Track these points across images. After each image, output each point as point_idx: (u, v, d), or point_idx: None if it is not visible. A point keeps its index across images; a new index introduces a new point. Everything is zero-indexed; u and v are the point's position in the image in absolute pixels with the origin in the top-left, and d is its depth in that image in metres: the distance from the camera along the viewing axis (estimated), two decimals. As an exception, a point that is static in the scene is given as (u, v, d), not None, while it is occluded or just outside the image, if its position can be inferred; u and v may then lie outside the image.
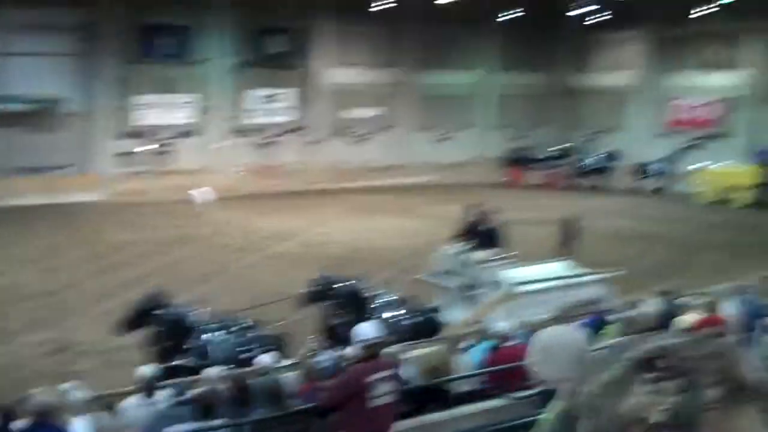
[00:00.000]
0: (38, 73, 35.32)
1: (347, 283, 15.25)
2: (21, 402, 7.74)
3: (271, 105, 41.74)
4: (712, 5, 40.18)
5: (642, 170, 38.91)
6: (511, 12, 44.35)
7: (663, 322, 11.66)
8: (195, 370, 10.81)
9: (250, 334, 13.27)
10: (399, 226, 28.65)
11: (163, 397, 9.28)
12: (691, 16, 41.82)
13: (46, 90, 35.49)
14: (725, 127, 42.34)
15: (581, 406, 0.98)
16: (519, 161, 40.62)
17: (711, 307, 12.13)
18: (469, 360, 10.84)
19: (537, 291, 16.28)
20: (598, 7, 43.80)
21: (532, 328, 11.03)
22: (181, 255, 24.27)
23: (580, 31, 46.90)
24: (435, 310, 15.93)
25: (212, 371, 9.47)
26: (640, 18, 44.97)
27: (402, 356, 10.08)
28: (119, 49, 37.58)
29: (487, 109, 47.07)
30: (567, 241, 24.02)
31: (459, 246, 17.69)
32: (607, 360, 1.00)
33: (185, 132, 39.73)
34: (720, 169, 36.59)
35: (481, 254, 17.14)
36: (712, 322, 11.76)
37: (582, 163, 39.85)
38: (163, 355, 12.46)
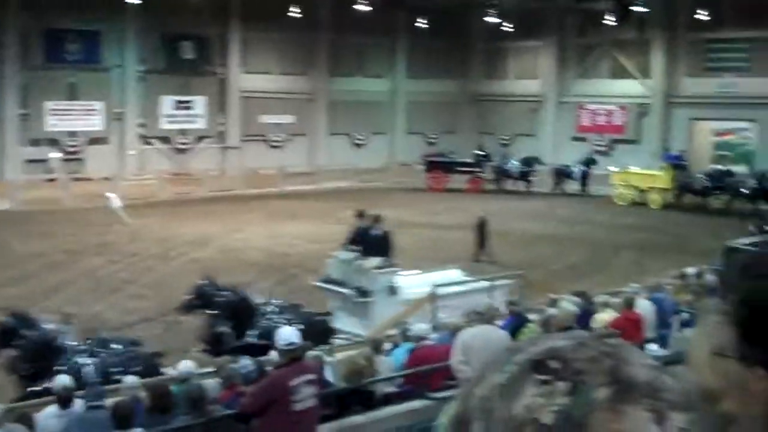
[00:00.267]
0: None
1: (232, 290, 14.86)
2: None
3: (184, 111, 41.24)
4: (615, 15, 41.28)
5: (561, 174, 39.64)
6: (421, 21, 44.86)
7: (580, 321, 11.90)
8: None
9: (127, 353, 12.40)
10: (317, 231, 28.56)
11: (79, 406, 9.06)
12: (599, 26, 42.90)
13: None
14: (634, 132, 43.60)
15: (473, 408, 0.98)
16: (440, 166, 40.90)
17: (627, 305, 12.44)
18: (391, 361, 10.89)
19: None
20: (507, 17, 44.62)
21: (453, 329, 11.16)
22: (93, 264, 23.72)
23: (489, 40, 47.79)
24: (327, 315, 15.80)
25: (130, 379, 9.30)
26: (548, 27, 46.07)
27: (325, 359, 10.07)
28: (25, 55, 36.66)
29: (400, 115, 47.58)
30: (482, 242, 24.49)
31: (350, 252, 17.57)
32: (499, 362, 1.01)
33: (96, 139, 38.95)
34: (636, 172, 37.58)
35: (373, 261, 17.09)
36: (628, 319, 12.08)
37: (503, 168, 40.37)
38: (29, 378, 11.61)
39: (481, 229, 24.96)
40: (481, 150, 42.76)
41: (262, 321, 14.32)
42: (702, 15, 39.79)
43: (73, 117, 38.34)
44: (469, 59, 49.45)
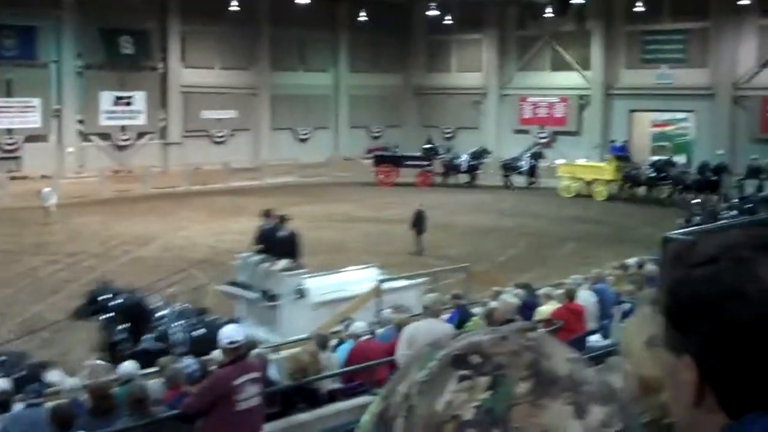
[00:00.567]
0: None
1: (127, 293, 14.42)
2: None
3: (124, 107, 40.64)
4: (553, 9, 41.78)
5: (508, 167, 39.89)
6: (362, 14, 44.90)
7: (524, 313, 12.00)
8: None
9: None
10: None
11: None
12: (539, 18, 43.34)
13: None
14: (575, 123, 44.12)
15: (395, 405, 0.97)
16: (388, 160, 40.87)
17: (568, 296, 12.56)
18: (336, 358, 10.87)
19: (340, 300, 15.92)
20: (448, 10, 44.92)
21: (398, 324, 11.16)
22: (32, 264, 23.29)
23: (431, 33, 48.06)
24: (232, 321, 15.17)
25: (71, 381, 9.13)
26: (489, 20, 46.42)
27: (270, 357, 10.00)
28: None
29: (343, 109, 47.57)
30: (419, 234, 24.66)
31: (257, 254, 16.95)
32: (421, 358, 1.00)
33: (34, 136, 38.19)
34: (581, 164, 38.01)
35: (280, 263, 16.44)
36: (569, 311, 12.21)
37: (452, 161, 40.46)
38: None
39: (419, 221, 25.10)
40: (429, 143, 42.92)
41: (160, 325, 13.94)
42: (639, 7, 40.42)
43: (10, 114, 37.55)
44: (412, 52, 49.63)
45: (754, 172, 32.67)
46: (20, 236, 27.00)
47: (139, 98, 41.03)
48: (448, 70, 49.16)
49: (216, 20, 41.49)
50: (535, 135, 44.57)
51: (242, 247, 24.69)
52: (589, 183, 36.74)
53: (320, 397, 9.78)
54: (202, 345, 12.46)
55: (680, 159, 38.99)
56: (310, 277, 16.61)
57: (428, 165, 40.58)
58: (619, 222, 30.66)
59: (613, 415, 0.96)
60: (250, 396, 8.24)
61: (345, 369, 10.58)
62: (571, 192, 36.81)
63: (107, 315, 13.96)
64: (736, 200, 29.05)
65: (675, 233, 16.79)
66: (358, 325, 11.56)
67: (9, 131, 37.56)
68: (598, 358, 9.82)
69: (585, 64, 43.75)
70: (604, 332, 12.47)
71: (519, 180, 39.45)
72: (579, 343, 11.60)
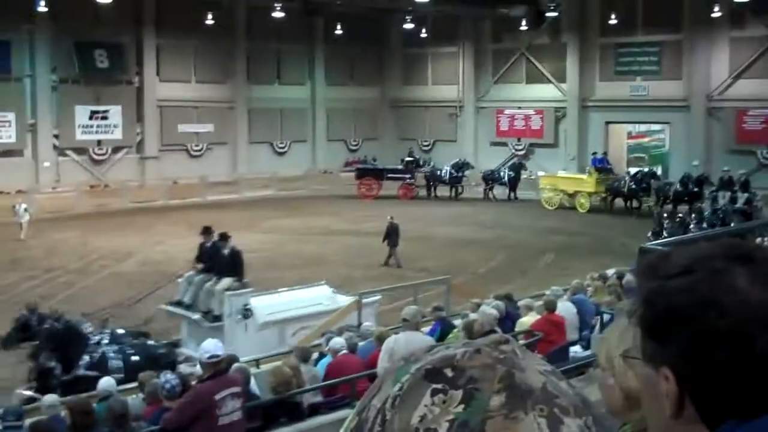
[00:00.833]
0: None
1: (56, 319, 13.70)
2: None
3: (100, 122, 40.40)
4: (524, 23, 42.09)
5: (489, 179, 39.92)
6: (338, 28, 45.02)
7: (504, 324, 12.05)
8: None
9: None
10: (241, 241, 28.24)
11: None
12: (514, 31, 43.57)
13: None
14: (552, 136, 44.31)
15: (370, 420, 0.98)
16: (370, 173, 40.83)
17: (548, 307, 12.61)
18: (318, 371, 10.86)
19: (288, 319, 15.43)
20: (423, 23, 45.12)
21: (378, 337, 11.18)
22: (9, 280, 23.09)
23: (407, 46, 48.28)
24: (173, 344, 14.88)
25: (50, 398, 9.07)
26: (464, 33, 46.67)
27: (250, 371, 9.98)
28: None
29: (320, 122, 47.56)
30: (392, 246, 24.67)
31: (201, 273, 16.24)
32: (396, 371, 1.01)
33: (9, 151, 37.88)
34: (563, 176, 38.08)
35: (224, 282, 15.74)
36: (550, 322, 12.27)
37: (435, 174, 40.43)
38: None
39: (391, 234, 25.10)
40: (411, 156, 42.92)
41: (94, 351, 13.37)
42: (613, 20, 40.76)
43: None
44: (388, 65, 49.80)
45: (726, 184, 32.89)
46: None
47: (115, 112, 40.78)
48: (424, 83, 49.32)
49: (192, 34, 41.38)
50: (512, 147, 44.78)
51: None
52: (571, 195, 36.79)
53: (302, 410, 9.76)
54: (138, 371, 11.85)
55: (658, 170, 39.21)
56: (256, 296, 15.95)
57: (410, 178, 40.59)
58: (599, 233, 30.78)
59: (587, 427, 0.97)
60: (231, 410, 8.23)
61: (325, 383, 10.56)
62: (554, 204, 36.81)
63: (35, 342, 13.32)
64: (707, 212, 29.21)
65: (651, 244, 16.90)
66: (337, 341, 11.55)
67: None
68: (579, 368, 9.91)
69: (560, 77, 44.00)
70: (585, 343, 12.55)
71: (500, 192, 39.47)
72: (561, 354, 11.68)
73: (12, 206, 29.80)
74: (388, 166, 41.55)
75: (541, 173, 39.26)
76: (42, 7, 35.24)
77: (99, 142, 40.45)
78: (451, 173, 39.91)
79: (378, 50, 49.15)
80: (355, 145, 48.52)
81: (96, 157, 40.42)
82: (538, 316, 12.63)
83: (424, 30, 46.10)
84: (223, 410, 8.16)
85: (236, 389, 8.36)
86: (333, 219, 33.52)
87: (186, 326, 16.25)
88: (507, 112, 45.71)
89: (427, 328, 12.90)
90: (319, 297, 16.46)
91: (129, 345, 13.90)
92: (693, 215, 28.45)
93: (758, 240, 17.30)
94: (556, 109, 44.31)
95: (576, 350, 12.15)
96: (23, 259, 25.76)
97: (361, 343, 12.11)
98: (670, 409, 1.20)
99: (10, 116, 37.88)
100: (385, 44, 49.38)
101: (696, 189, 33.39)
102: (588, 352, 10.69)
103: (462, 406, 0.94)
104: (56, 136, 39.22)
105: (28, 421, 8.64)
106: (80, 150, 40.04)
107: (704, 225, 25.50)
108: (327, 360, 11.27)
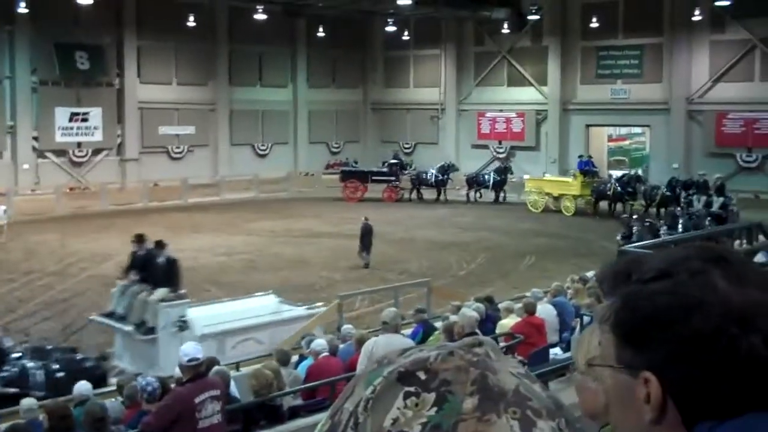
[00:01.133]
0: None
1: None
2: None
3: (80, 123, 40.18)
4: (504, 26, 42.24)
5: (473, 182, 39.91)
6: (320, 30, 45.03)
7: (485, 326, 12.06)
8: None
9: None
10: (222, 244, 28.25)
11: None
12: (496, 34, 43.73)
13: None
14: (533, 139, 44.46)
15: (342, 423, 0.97)
16: (355, 175, 40.77)
17: (528, 310, 12.64)
18: (298, 374, 10.84)
19: (228, 331, 14.79)
20: (405, 25, 45.23)
21: (358, 340, 11.16)
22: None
23: (389, 49, 48.37)
24: (102, 358, 14.31)
25: (28, 401, 8.99)
26: (446, 36, 46.79)
27: (232, 374, 9.95)
28: None
29: (302, 124, 47.56)
30: (367, 248, 24.64)
31: (134, 282, 15.54)
32: (369, 374, 1.00)
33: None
34: (548, 179, 38.09)
35: (159, 292, 14.99)
36: (530, 324, 12.29)
37: (420, 176, 40.37)
38: None
39: (366, 234, 25.09)
40: (396, 158, 42.95)
41: (12, 367, 12.83)
42: (594, 23, 40.97)
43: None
44: (370, 68, 49.88)
45: (701, 187, 33.00)
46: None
47: (96, 114, 40.58)
48: (406, 85, 49.41)
49: (173, 35, 41.28)
50: (493, 150, 44.88)
51: (202, 264, 24.63)
52: (556, 198, 36.79)
53: (282, 413, 9.74)
54: (60, 387, 11.48)
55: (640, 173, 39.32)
56: (194, 306, 15.36)
57: (395, 180, 40.59)
58: (581, 236, 30.81)
59: (560, 429, 0.97)
60: (211, 414, 8.19)
61: (305, 385, 10.54)
62: (539, 207, 36.70)
63: None
64: (683, 216, 29.25)
65: (630, 247, 16.97)
66: (318, 342, 11.53)
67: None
68: (559, 371, 9.93)
69: (542, 80, 44.17)
70: (565, 345, 12.58)
71: (485, 194, 39.44)
72: (542, 356, 11.71)
73: None
74: (374, 169, 41.53)
75: (526, 176, 39.25)
76: (22, 8, 35.07)
77: (79, 144, 40.25)
78: (436, 176, 39.87)
79: (360, 52, 49.24)
80: (337, 148, 48.57)
81: (76, 159, 40.23)
82: (519, 319, 12.65)
83: (406, 32, 46.27)
84: (203, 413, 8.12)
85: (216, 392, 8.32)
86: (314, 221, 33.47)
87: (120, 338, 15.59)
88: (488, 114, 45.84)
89: (409, 331, 12.91)
90: (263, 307, 15.89)
91: (54, 360, 13.36)
92: (661, 221, 28.48)
93: (736, 243, 17.40)
94: (537, 111, 44.49)
95: (556, 352, 12.18)
96: (1, 262, 25.55)
97: (341, 346, 12.10)
98: (651, 413, 1.19)
99: (-10, 118, 37.65)
100: (367, 46, 49.47)
101: (684, 193, 33.47)
102: (568, 354, 10.71)
103: (435, 408, 0.94)
104: (36, 138, 39.00)
105: (4, 426, 8.55)
106: (60, 152, 39.83)
107: (679, 229, 25.55)
108: (308, 362, 11.25)
